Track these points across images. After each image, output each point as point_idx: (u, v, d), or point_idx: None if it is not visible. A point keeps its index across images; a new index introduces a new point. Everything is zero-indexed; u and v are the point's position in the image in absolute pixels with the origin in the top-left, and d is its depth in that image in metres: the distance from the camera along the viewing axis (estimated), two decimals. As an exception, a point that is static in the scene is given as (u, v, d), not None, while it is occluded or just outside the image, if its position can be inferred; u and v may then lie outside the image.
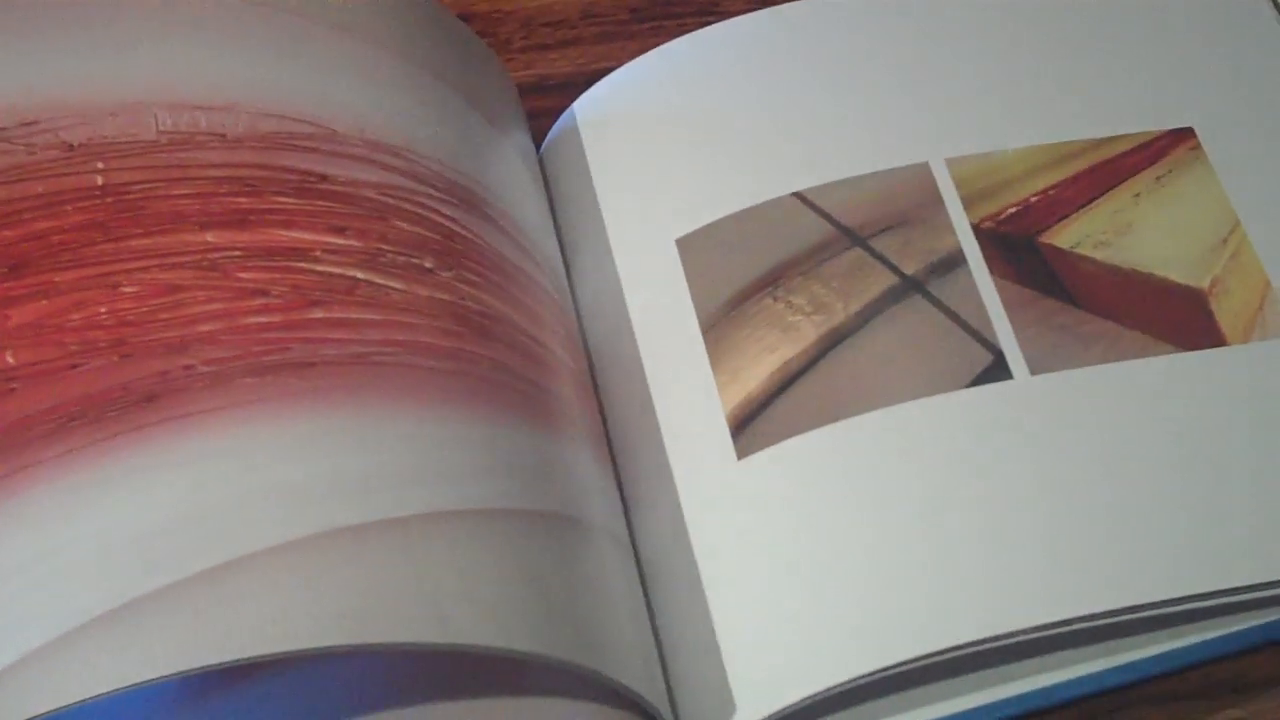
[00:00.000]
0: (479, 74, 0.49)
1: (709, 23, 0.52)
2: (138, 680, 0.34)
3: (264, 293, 0.40)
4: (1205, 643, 0.43)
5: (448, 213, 0.44)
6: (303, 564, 0.36)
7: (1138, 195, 0.48)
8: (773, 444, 0.44)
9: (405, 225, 0.42)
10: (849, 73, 0.50)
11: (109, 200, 0.40)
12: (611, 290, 0.48)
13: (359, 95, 0.44)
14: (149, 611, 0.34)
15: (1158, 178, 0.48)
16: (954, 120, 0.49)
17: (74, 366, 0.38)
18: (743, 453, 0.44)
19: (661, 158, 0.49)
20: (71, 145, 0.41)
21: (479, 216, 0.45)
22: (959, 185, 0.48)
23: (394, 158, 0.44)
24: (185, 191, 0.41)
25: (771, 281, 0.46)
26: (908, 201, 0.47)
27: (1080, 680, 0.43)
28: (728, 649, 0.41)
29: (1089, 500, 0.42)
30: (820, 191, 0.48)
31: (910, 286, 0.46)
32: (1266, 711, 0.43)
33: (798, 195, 0.48)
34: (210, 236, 0.40)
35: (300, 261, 0.40)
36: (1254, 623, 0.43)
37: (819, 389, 0.44)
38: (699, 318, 0.46)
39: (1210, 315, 0.45)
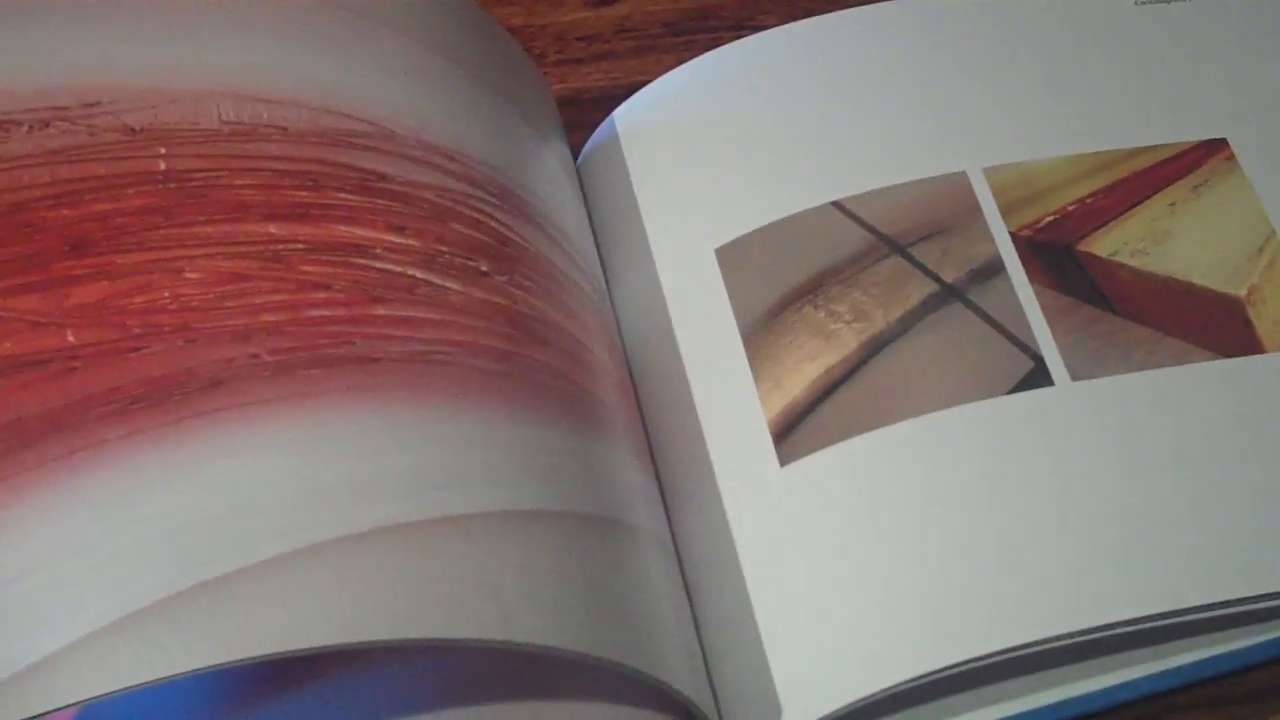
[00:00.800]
0: (523, 84, 0.50)
1: (743, 36, 0.52)
2: (199, 666, 0.33)
3: (327, 286, 0.40)
4: (1250, 648, 0.43)
5: (501, 218, 0.44)
6: (368, 557, 0.36)
7: (1174, 204, 0.48)
8: (815, 451, 0.44)
9: (461, 228, 0.43)
10: (887, 83, 0.51)
11: (171, 186, 0.40)
12: (652, 300, 0.48)
13: (416, 99, 0.45)
14: (213, 597, 0.34)
15: (1194, 187, 0.48)
16: (991, 130, 0.49)
17: (137, 349, 0.37)
18: (785, 460, 0.44)
19: (700, 168, 0.50)
20: (134, 129, 0.41)
21: (529, 223, 0.45)
22: (997, 194, 0.48)
23: (449, 161, 0.44)
24: (248, 182, 0.41)
25: (812, 290, 0.47)
26: (946, 210, 0.48)
27: (1125, 686, 0.43)
28: (772, 655, 0.41)
29: (1131, 505, 0.43)
30: (859, 201, 0.48)
31: (950, 294, 0.46)
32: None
33: (836, 204, 0.48)
34: (273, 228, 0.40)
35: (361, 258, 0.40)
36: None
37: (861, 396, 0.45)
38: (740, 326, 0.46)
39: (1248, 323, 0.46)
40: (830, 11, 0.52)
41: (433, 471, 0.38)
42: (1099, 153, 0.49)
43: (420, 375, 0.39)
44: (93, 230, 0.39)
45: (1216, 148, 0.49)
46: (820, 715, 0.40)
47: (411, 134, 0.44)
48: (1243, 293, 0.46)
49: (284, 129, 0.42)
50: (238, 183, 0.41)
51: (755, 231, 0.48)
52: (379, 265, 0.40)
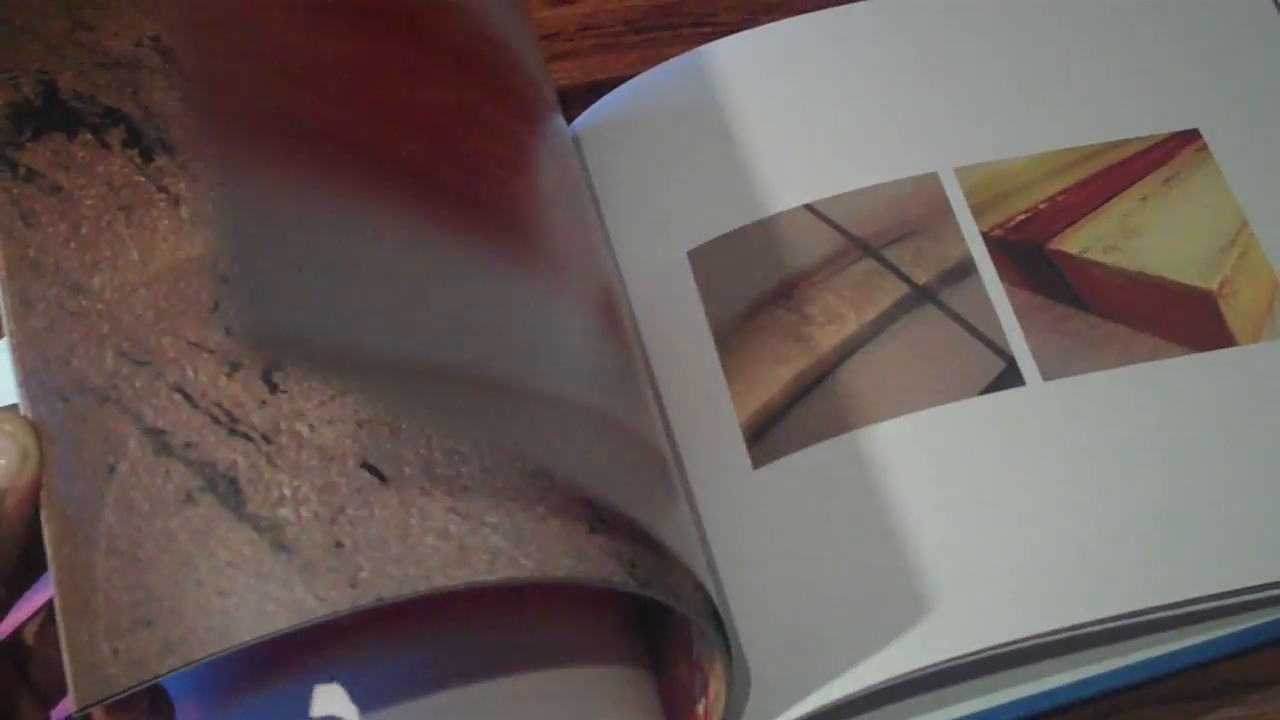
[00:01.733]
0: (538, 60, 0.50)
1: (704, 34, 0.52)
2: None
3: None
4: (1210, 642, 0.44)
5: (573, 168, 0.45)
6: (589, 425, 0.38)
7: (1145, 199, 0.48)
8: (788, 454, 0.44)
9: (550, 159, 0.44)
10: (857, 85, 0.50)
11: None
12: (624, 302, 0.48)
13: (509, 27, 0.46)
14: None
15: (1165, 180, 0.48)
16: (962, 130, 0.49)
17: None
18: (758, 462, 0.44)
19: (671, 171, 0.49)
20: None
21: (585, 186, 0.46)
22: (968, 194, 0.48)
23: (536, 89, 0.46)
24: None
25: (784, 293, 0.46)
26: (918, 211, 0.47)
27: (1087, 681, 0.43)
28: (741, 653, 0.41)
29: (1103, 504, 0.43)
30: (831, 203, 0.48)
31: (922, 296, 0.46)
32: (1269, 710, 0.44)
33: (808, 207, 0.48)
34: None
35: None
36: (1258, 621, 0.44)
37: (833, 399, 0.45)
38: (712, 329, 0.46)
39: (1220, 316, 0.46)
40: (789, 8, 0.52)
41: (618, 383, 0.40)
42: (1070, 149, 0.49)
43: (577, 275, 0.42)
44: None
45: (1188, 139, 0.49)
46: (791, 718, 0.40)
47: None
48: (1214, 286, 0.46)
49: None
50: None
51: (727, 234, 0.47)
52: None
